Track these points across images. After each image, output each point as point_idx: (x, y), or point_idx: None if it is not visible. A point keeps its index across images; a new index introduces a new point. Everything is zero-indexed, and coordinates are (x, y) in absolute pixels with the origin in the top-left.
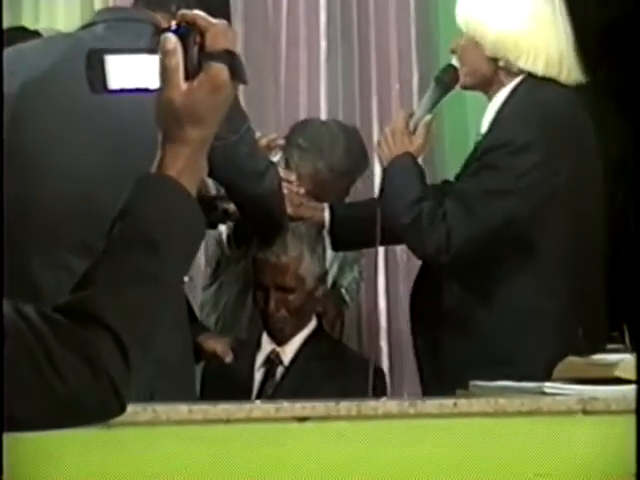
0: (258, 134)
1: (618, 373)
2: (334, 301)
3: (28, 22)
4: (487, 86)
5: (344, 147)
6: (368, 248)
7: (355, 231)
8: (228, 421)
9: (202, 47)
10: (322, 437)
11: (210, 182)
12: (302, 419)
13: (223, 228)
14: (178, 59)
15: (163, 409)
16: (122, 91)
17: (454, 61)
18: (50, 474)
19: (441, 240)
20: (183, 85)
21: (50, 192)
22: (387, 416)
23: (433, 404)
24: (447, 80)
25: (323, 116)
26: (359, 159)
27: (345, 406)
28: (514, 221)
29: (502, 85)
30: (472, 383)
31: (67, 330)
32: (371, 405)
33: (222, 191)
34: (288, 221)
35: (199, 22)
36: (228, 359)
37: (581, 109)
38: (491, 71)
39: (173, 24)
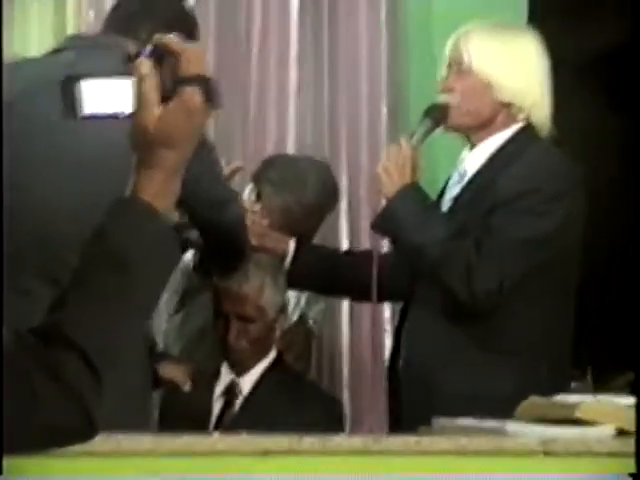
0: (222, 163)
1: (578, 414)
2: (301, 333)
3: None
4: (480, 129)
5: (315, 182)
6: (321, 294)
7: (313, 274)
8: (193, 453)
9: (176, 71)
10: (285, 471)
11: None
12: (265, 453)
13: (189, 257)
14: (152, 83)
15: (126, 440)
16: (96, 117)
17: (444, 99)
18: None
19: (493, 281)
20: (157, 109)
21: (15, 217)
22: (351, 452)
23: (396, 441)
24: (439, 117)
25: (291, 150)
26: (330, 195)
27: (308, 441)
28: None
29: (496, 131)
30: (435, 420)
31: (41, 352)
32: (335, 440)
33: (185, 219)
34: (251, 251)
35: (173, 46)
36: (186, 387)
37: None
38: (494, 115)
39: (147, 48)
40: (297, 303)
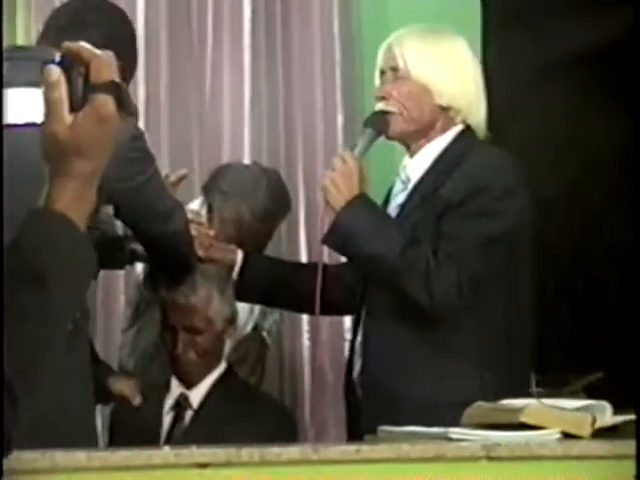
0: (166, 171)
1: (523, 418)
2: (255, 344)
3: None
4: (420, 136)
5: (266, 190)
6: (267, 307)
7: (262, 286)
8: (128, 468)
9: (86, 79)
10: None
11: (118, 222)
12: (203, 465)
13: (139, 270)
14: (61, 91)
15: (61, 456)
16: (9, 126)
17: (381, 106)
18: None
19: (452, 285)
20: (68, 118)
21: None
22: (290, 462)
23: (336, 450)
24: (381, 126)
25: (247, 159)
26: (281, 202)
27: (247, 452)
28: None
29: (436, 135)
30: (380, 428)
31: None
32: (274, 451)
33: (129, 232)
34: (196, 262)
35: (83, 53)
36: (136, 402)
37: None
38: (434, 119)
39: (57, 56)
40: (251, 314)
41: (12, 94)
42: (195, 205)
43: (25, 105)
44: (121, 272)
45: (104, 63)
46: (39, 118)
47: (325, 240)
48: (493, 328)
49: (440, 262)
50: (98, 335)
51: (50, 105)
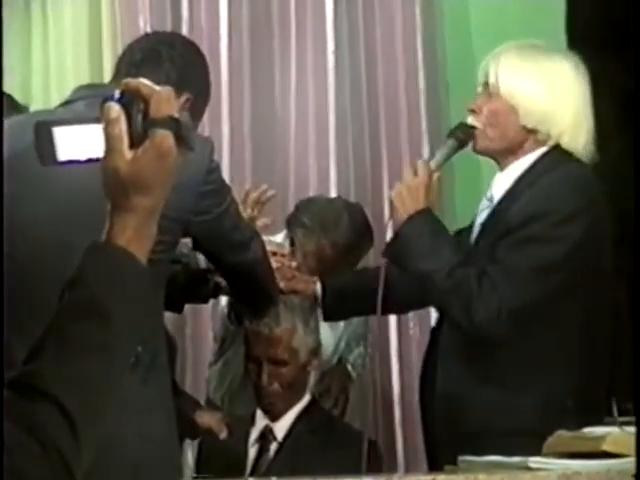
0: (247, 187)
1: (605, 447)
2: (339, 376)
3: (38, 81)
4: (506, 153)
5: (348, 224)
6: (360, 316)
7: (347, 300)
8: None
9: (146, 115)
10: None
11: (200, 256)
12: None
13: (224, 304)
14: (121, 127)
15: None
16: (71, 162)
17: (470, 121)
18: None
19: (492, 311)
20: (128, 153)
21: (24, 264)
22: None
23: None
24: (462, 137)
25: (333, 192)
26: (364, 235)
27: None
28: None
29: (523, 154)
30: (461, 458)
31: (13, 404)
32: None
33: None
34: (278, 292)
35: (142, 90)
36: (222, 435)
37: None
38: (520, 139)
39: (116, 93)
40: (336, 347)
41: (65, 131)
42: (278, 238)
43: (81, 142)
44: (208, 306)
45: (163, 98)
46: (99, 154)
47: (385, 253)
48: (574, 355)
49: (483, 287)
50: (188, 370)
51: (110, 141)
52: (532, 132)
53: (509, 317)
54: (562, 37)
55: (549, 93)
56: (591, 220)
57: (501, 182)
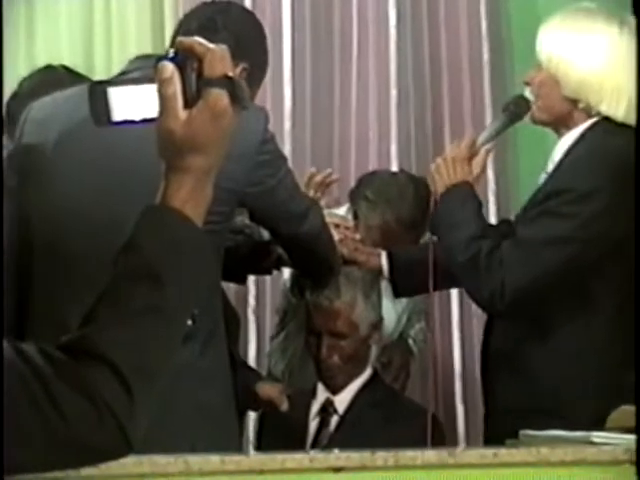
0: (313, 169)
1: None
2: (400, 351)
3: (101, 52)
4: (559, 124)
5: (412, 198)
6: (429, 293)
7: (415, 276)
8: (261, 472)
9: (200, 74)
10: None
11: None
12: (337, 469)
13: (286, 277)
14: (175, 87)
15: (195, 460)
16: (126, 122)
17: (527, 93)
18: None
19: (496, 287)
20: (182, 113)
21: (82, 240)
22: (425, 466)
23: (472, 454)
24: (516, 111)
25: (394, 167)
26: (428, 210)
27: (381, 456)
28: (573, 269)
29: (574, 125)
30: (522, 432)
31: (68, 368)
32: (409, 455)
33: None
34: (340, 264)
35: (196, 48)
36: (283, 407)
37: None
38: (567, 110)
39: (170, 52)
40: (398, 321)
41: (119, 91)
42: (341, 211)
43: (135, 102)
44: (270, 278)
45: (217, 57)
46: (152, 114)
47: (429, 226)
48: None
49: (492, 262)
50: (251, 342)
51: (164, 101)
52: (575, 102)
53: (515, 292)
54: None
55: (586, 61)
56: (611, 197)
57: (555, 155)
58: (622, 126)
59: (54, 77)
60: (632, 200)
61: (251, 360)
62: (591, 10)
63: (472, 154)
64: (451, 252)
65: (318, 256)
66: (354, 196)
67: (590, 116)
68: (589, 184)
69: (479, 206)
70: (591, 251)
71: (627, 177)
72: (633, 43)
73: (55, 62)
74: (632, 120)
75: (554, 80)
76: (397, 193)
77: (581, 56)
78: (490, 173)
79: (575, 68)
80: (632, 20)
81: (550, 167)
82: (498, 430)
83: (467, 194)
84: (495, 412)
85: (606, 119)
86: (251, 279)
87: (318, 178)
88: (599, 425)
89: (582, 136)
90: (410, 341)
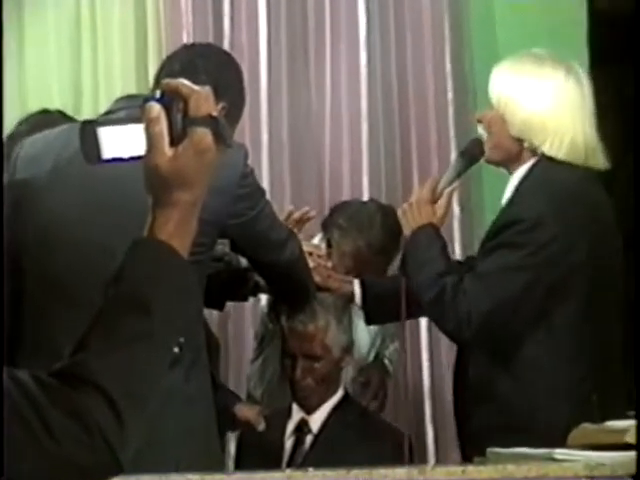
0: (291, 207)
1: (628, 439)
2: (377, 371)
3: (87, 91)
4: (510, 162)
5: (381, 225)
6: (400, 322)
7: (387, 305)
8: None
9: (186, 113)
10: None
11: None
12: None
13: (264, 303)
14: (162, 126)
15: (178, 479)
16: (115, 160)
17: (480, 130)
18: None
19: (462, 317)
20: (168, 151)
21: (73, 270)
22: None
23: (441, 471)
24: (472, 152)
25: (366, 196)
26: (397, 236)
27: (355, 473)
28: (531, 294)
29: (523, 162)
30: (489, 450)
31: (60, 393)
32: (381, 472)
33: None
34: (314, 290)
35: (181, 90)
36: (260, 427)
37: (595, 185)
38: (516, 150)
39: (157, 93)
40: (373, 343)
41: (108, 131)
42: (315, 241)
43: (124, 141)
44: (249, 305)
45: (202, 98)
46: (140, 152)
47: (399, 268)
48: (600, 348)
49: (457, 295)
50: (231, 366)
51: (151, 139)
52: (521, 142)
53: (480, 319)
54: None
55: (531, 103)
56: (558, 225)
57: (507, 190)
58: (564, 162)
59: (49, 120)
60: (580, 227)
61: (230, 384)
62: (540, 56)
63: (436, 197)
64: (419, 290)
65: (296, 282)
66: (327, 225)
67: (536, 155)
68: (537, 214)
69: (444, 245)
70: (544, 276)
71: (572, 205)
72: (578, 88)
73: (45, 101)
74: (573, 159)
75: (502, 119)
76: (367, 220)
77: (527, 98)
78: (456, 210)
79: (521, 109)
80: (578, 68)
81: (504, 202)
82: (468, 448)
83: (431, 235)
84: (465, 431)
85: (546, 158)
86: (230, 305)
87: (296, 215)
88: (563, 442)
89: (529, 171)
90: (386, 361)
